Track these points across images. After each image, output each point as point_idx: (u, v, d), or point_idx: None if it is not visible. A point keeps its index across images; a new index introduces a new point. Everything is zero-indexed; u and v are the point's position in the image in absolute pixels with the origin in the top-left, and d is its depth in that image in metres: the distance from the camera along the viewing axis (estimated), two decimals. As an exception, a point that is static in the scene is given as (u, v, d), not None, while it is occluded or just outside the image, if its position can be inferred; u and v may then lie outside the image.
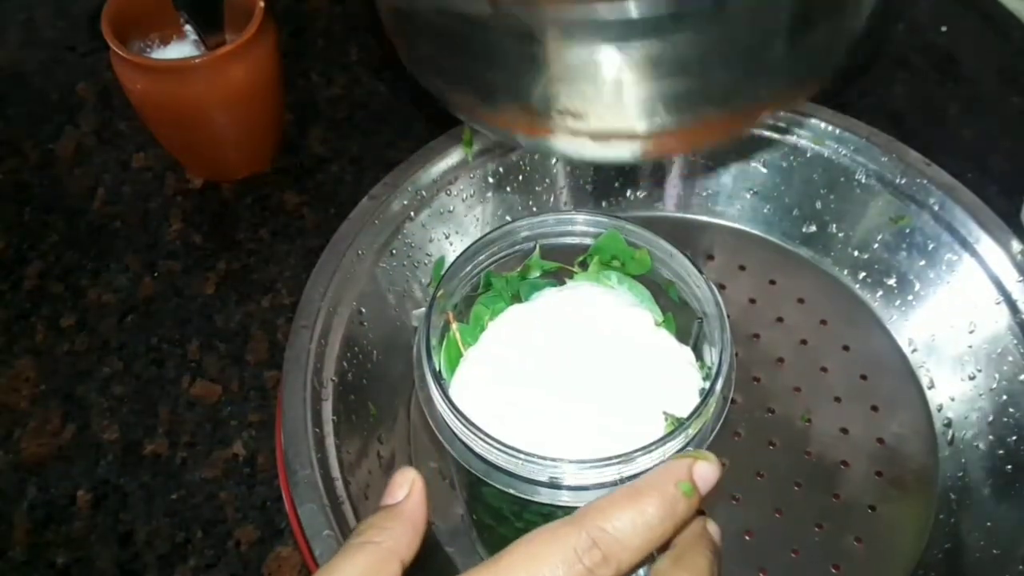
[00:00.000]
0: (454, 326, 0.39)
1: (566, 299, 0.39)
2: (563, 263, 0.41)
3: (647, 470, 0.32)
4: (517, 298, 0.41)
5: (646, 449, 0.32)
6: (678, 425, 0.33)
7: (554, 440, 0.34)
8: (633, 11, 0.27)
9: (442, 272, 0.39)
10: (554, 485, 0.33)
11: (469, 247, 0.40)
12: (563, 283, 0.41)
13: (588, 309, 0.39)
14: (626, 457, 0.32)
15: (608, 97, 0.30)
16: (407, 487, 0.33)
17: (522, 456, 0.33)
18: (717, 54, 0.29)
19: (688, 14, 0.28)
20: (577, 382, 0.36)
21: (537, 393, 0.36)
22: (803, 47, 0.31)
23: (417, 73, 0.37)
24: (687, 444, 0.33)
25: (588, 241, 0.40)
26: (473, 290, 0.40)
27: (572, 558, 0.27)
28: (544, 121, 0.33)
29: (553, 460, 0.32)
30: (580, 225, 0.40)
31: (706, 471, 0.30)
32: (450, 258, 0.53)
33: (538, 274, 0.41)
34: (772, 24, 0.29)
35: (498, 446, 0.33)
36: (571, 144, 0.35)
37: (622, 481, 0.32)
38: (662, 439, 0.32)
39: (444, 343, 0.39)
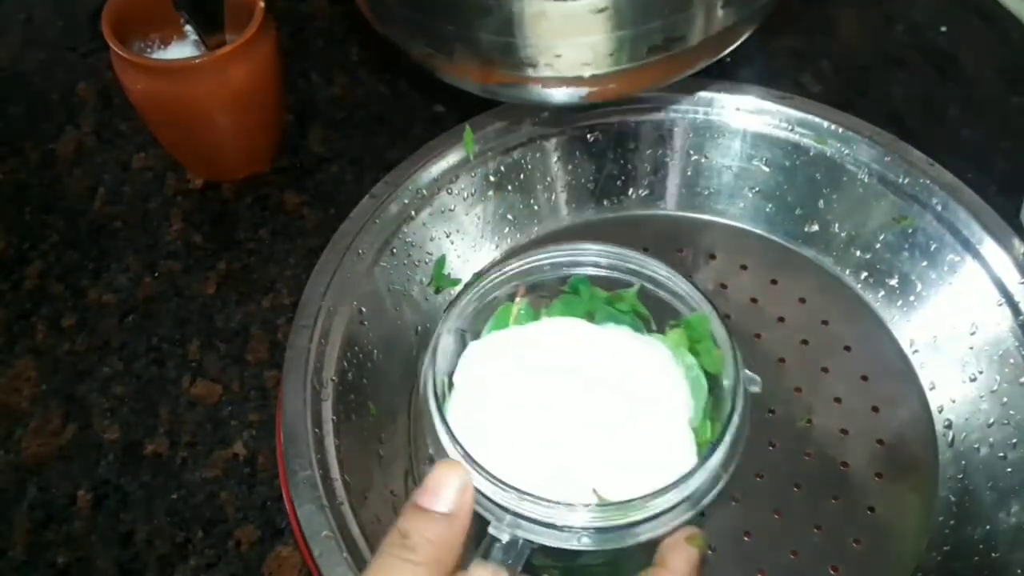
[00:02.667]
0: (519, 300, 0.40)
1: (635, 348, 0.39)
2: (655, 316, 0.41)
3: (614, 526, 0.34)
4: (590, 316, 0.41)
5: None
6: (602, 503, 0.35)
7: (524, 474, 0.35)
8: None
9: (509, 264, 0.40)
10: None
11: (563, 249, 0.41)
12: (644, 332, 0.41)
13: (638, 370, 0.39)
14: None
15: (554, 46, 0.33)
16: (456, 492, 0.32)
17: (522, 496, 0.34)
18: (650, 5, 0.32)
19: None
20: (572, 426, 0.37)
21: (528, 425, 0.37)
22: (713, 11, 0.35)
23: (378, 24, 0.38)
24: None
25: (684, 310, 0.41)
26: (561, 283, 0.41)
27: None
28: (495, 69, 0.36)
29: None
30: (684, 291, 0.40)
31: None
32: (450, 257, 0.54)
33: (627, 310, 0.41)
34: None
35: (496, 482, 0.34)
36: (521, 91, 0.38)
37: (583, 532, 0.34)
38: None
39: (498, 311, 0.40)
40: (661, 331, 0.41)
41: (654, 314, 0.41)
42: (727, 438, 0.36)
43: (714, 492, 0.35)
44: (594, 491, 0.35)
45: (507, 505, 0.34)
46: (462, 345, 0.40)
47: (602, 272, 0.41)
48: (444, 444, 0.35)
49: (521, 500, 0.33)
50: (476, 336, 0.41)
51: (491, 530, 0.34)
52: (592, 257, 0.41)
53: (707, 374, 0.40)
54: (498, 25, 0.33)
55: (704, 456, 0.35)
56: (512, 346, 0.39)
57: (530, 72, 0.35)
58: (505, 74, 0.36)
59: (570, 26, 0.33)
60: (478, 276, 0.41)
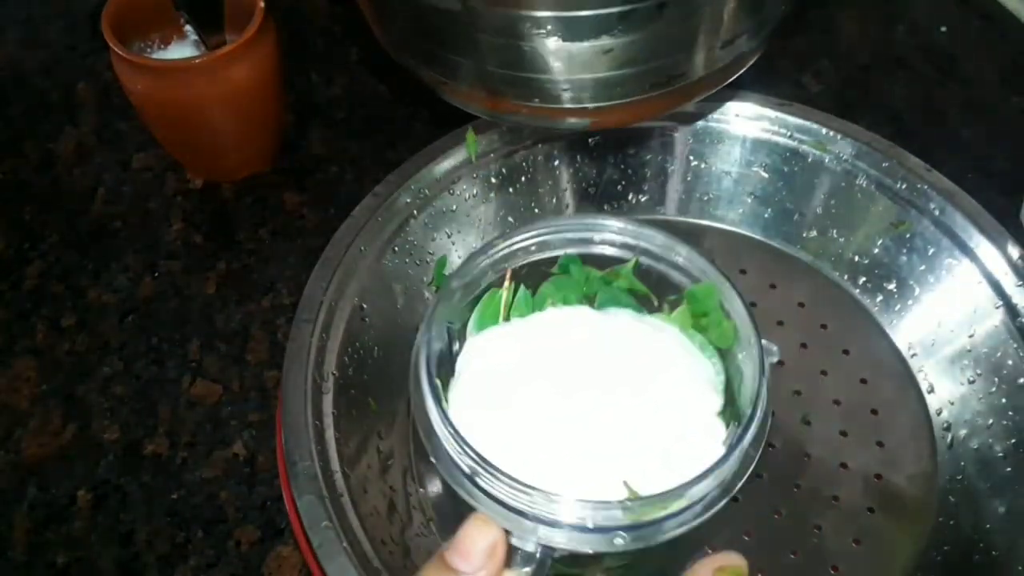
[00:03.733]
0: (507, 284, 0.37)
1: (644, 332, 0.37)
2: (654, 292, 0.39)
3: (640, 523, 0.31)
4: (591, 300, 0.39)
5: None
6: (636, 497, 0.32)
7: (544, 473, 0.32)
8: (586, 12, 0.31)
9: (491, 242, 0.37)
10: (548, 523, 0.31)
11: (549, 224, 0.38)
12: (649, 311, 0.38)
13: (653, 356, 0.36)
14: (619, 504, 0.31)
15: (562, 82, 0.33)
16: (486, 555, 0.30)
17: (520, 488, 0.31)
18: (653, 47, 0.33)
19: (630, 15, 0.31)
20: (591, 420, 0.34)
21: (542, 422, 0.34)
22: (725, 43, 0.35)
23: (390, 50, 0.38)
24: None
25: (685, 281, 0.38)
26: (548, 266, 0.39)
27: None
28: (503, 99, 0.36)
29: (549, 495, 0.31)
30: (684, 261, 0.38)
31: None
32: (452, 258, 0.54)
33: (625, 288, 0.39)
34: (696, 24, 0.33)
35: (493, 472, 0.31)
36: (526, 118, 0.39)
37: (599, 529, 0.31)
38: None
39: (485, 299, 0.37)
40: (661, 308, 0.39)
41: (652, 290, 0.39)
42: (757, 414, 0.33)
43: (746, 475, 0.33)
44: (625, 484, 0.32)
45: (532, 511, 0.31)
46: (451, 342, 0.38)
47: (595, 249, 0.39)
48: (451, 452, 0.32)
49: (550, 503, 0.30)
50: (463, 329, 0.38)
51: (514, 541, 0.31)
52: (581, 233, 0.39)
53: (717, 350, 0.37)
54: (507, 61, 0.34)
55: (736, 437, 0.33)
56: (515, 341, 0.37)
57: (537, 102, 0.36)
58: (512, 103, 0.36)
59: (577, 64, 0.33)
60: (463, 264, 0.38)
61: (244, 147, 0.62)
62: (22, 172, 0.64)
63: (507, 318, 0.38)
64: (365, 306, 0.49)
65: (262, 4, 0.56)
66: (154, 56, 0.59)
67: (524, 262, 0.39)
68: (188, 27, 0.59)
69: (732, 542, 0.46)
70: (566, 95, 0.35)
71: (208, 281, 0.58)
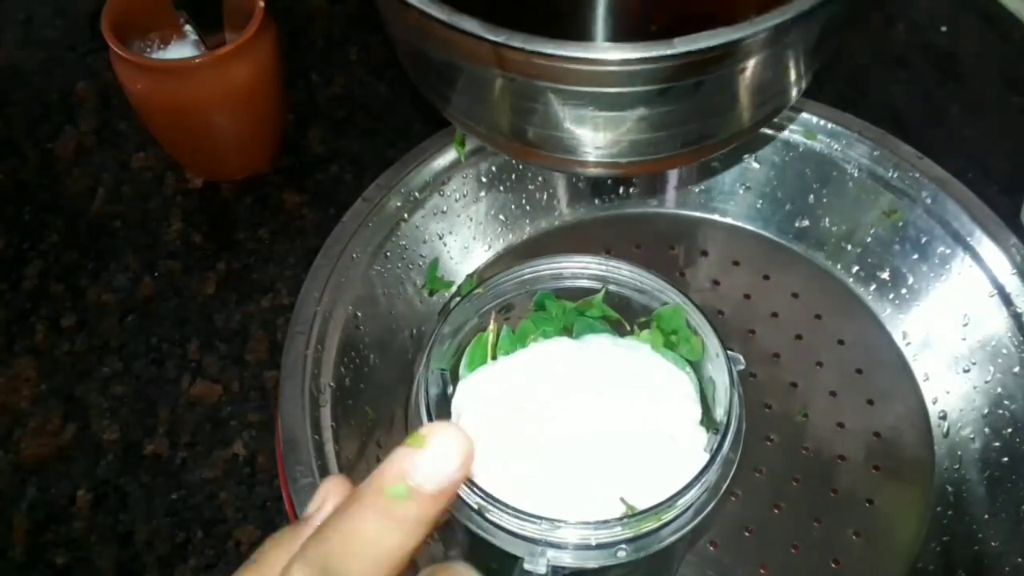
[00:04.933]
0: (492, 327, 0.40)
1: (621, 354, 0.39)
2: (624, 317, 0.42)
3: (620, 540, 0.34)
4: (568, 331, 0.41)
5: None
6: (632, 513, 0.34)
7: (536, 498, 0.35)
8: (623, 89, 0.32)
9: (473, 285, 0.40)
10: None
11: (525, 267, 0.41)
12: (622, 334, 0.41)
13: (634, 375, 0.39)
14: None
15: (594, 140, 0.34)
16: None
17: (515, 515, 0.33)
18: (688, 115, 0.34)
19: (667, 92, 0.32)
20: (580, 441, 0.36)
21: (535, 446, 0.36)
22: (760, 105, 0.36)
23: (423, 92, 0.39)
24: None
25: (652, 303, 0.41)
26: (525, 304, 0.41)
27: None
28: (535, 151, 0.37)
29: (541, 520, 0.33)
30: (649, 286, 0.41)
31: (425, 467, 0.24)
32: (444, 259, 0.54)
33: (598, 316, 0.41)
34: (730, 96, 0.35)
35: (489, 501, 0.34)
36: (557, 165, 0.42)
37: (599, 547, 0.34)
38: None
39: (473, 341, 0.40)
40: (633, 331, 0.41)
41: (623, 315, 0.42)
42: (732, 422, 0.36)
43: (730, 477, 0.36)
44: (622, 500, 0.35)
45: (541, 537, 0.33)
46: (445, 386, 0.40)
47: (566, 283, 0.42)
48: (460, 492, 0.34)
49: (555, 528, 0.33)
50: (457, 372, 0.40)
51: (527, 566, 0.34)
52: (552, 269, 0.41)
53: (688, 363, 0.40)
54: (539, 121, 0.35)
55: (716, 445, 0.35)
56: (505, 378, 0.39)
57: (568, 156, 0.37)
58: (540, 154, 0.37)
59: (610, 128, 0.34)
60: (445, 310, 0.41)
61: (244, 147, 0.62)
62: (22, 172, 0.64)
63: (494, 357, 0.40)
64: (359, 314, 0.49)
65: (262, 4, 0.56)
66: (154, 56, 0.59)
67: (505, 304, 0.41)
68: (188, 27, 0.59)
69: (733, 538, 0.46)
70: (597, 152, 0.36)
71: (208, 281, 0.58)
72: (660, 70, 0.31)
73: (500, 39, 0.29)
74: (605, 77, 0.31)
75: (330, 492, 0.27)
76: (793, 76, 0.37)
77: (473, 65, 0.33)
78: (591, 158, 0.36)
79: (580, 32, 0.40)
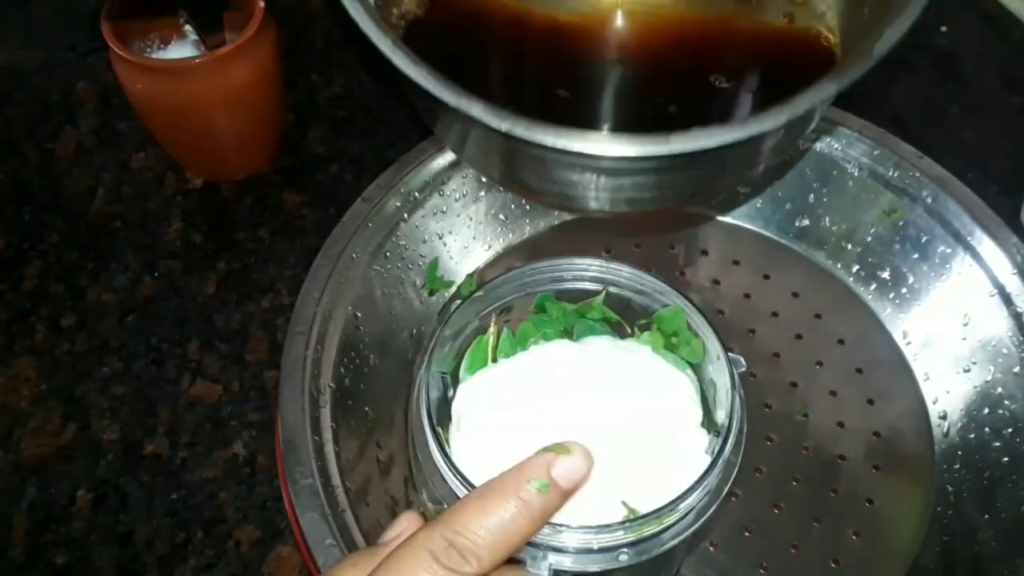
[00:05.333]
0: (492, 330, 0.40)
1: (622, 356, 0.39)
2: (625, 319, 0.42)
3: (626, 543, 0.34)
4: (569, 333, 0.41)
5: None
6: (634, 517, 0.34)
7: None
8: (624, 165, 0.34)
9: (473, 287, 0.40)
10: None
11: (525, 269, 0.41)
12: (623, 336, 0.41)
13: (635, 377, 0.39)
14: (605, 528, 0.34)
15: (595, 196, 0.36)
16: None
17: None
18: (689, 180, 0.37)
19: (668, 165, 0.34)
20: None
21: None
22: (754, 167, 0.38)
23: (434, 129, 0.39)
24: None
25: (652, 305, 0.41)
26: (526, 306, 0.41)
27: (430, 560, 0.29)
28: (536, 196, 0.41)
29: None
30: (650, 288, 0.41)
31: (567, 466, 0.31)
32: (443, 259, 0.54)
33: (598, 318, 0.41)
34: (727, 165, 0.37)
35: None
36: (555, 205, 0.46)
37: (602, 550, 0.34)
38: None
39: (474, 344, 0.40)
40: (633, 333, 0.41)
41: (623, 317, 0.42)
42: (733, 424, 0.36)
43: (731, 479, 0.36)
44: (624, 503, 0.35)
45: (544, 541, 0.33)
46: (446, 390, 0.40)
47: (566, 285, 0.42)
48: (460, 494, 0.35)
49: (557, 533, 0.33)
50: (457, 375, 0.40)
51: (530, 569, 0.34)
52: (553, 272, 0.42)
53: (689, 364, 0.40)
54: (544, 176, 0.36)
55: (717, 448, 0.35)
56: (505, 381, 0.39)
57: (568, 204, 0.39)
58: (545, 200, 0.40)
59: (623, 189, 0.36)
60: (445, 312, 0.41)
61: (244, 147, 0.62)
62: (22, 172, 0.64)
63: (495, 360, 0.40)
64: (359, 314, 0.49)
65: (262, 4, 0.56)
66: (154, 56, 0.59)
67: (505, 306, 0.41)
68: (188, 27, 0.59)
69: (733, 538, 0.46)
70: (600, 203, 0.37)
71: (208, 281, 0.58)
72: (658, 159, 0.32)
73: (504, 127, 0.30)
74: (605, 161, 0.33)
75: (411, 523, 0.33)
76: (786, 149, 0.38)
77: (480, 131, 0.35)
78: (592, 208, 0.37)
79: (591, 84, 0.41)
